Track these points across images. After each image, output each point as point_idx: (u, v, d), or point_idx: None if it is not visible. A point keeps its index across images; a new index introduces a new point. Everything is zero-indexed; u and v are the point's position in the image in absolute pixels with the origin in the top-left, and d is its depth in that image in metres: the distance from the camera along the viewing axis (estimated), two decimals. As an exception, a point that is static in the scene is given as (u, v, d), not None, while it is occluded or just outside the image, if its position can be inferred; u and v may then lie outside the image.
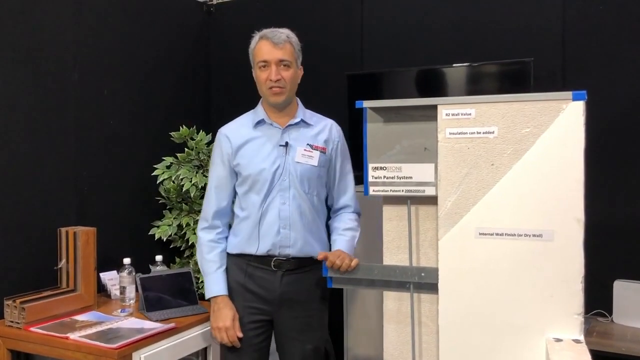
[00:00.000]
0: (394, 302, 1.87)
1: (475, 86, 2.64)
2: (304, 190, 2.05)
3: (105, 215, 2.77)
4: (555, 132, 1.58)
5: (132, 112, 2.95)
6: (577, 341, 1.56)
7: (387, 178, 1.80)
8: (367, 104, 1.80)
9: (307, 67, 3.24)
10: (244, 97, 3.45)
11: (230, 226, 2.16)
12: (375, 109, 1.81)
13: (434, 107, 1.71)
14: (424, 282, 1.78)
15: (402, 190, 1.79)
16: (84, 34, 2.70)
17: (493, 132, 1.64)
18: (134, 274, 2.55)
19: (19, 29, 2.43)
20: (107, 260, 2.67)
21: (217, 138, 2.13)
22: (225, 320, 2.00)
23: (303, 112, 2.12)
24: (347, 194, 2.18)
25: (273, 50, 2.00)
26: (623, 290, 2.42)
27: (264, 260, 2.04)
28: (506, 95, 1.65)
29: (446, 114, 1.69)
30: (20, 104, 2.43)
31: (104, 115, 2.80)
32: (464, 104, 1.67)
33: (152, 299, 2.42)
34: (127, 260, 2.56)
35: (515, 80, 2.56)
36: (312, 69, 3.23)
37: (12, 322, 2.20)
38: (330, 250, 2.08)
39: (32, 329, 2.16)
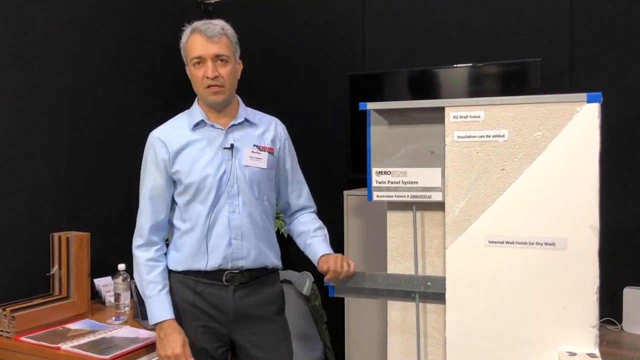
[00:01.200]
0: (398, 312, 1.80)
1: (481, 87, 2.57)
2: (254, 195, 1.87)
3: (99, 219, 2.70)
4: (569, 135, 1.52)
5: (128, 113, 2.88)
6: (592, 355, 1.50)
7: (392, 183, 1.74)
8: (370, 106, 1.74)
9: (307, 68, 3.20)
10: (242, 98, 3.42)
11: (166, 240, 1.96)
12: (379, 111, 1.74)
13: (441, 109, 1.64)
14: (430, 291, 1.72)
15: (408, 196, 1.73)
16: (78, 32, 2.62)
17: (503, 136, 1.58)
18: (129, 280, 2.48)
19: (10, 27, 2.35)
20: (102, 266, 2.59)
21: (149, 143, 1.93)
22: (175, 347, 1.76)
23: (245, 111, 1.95)
24: (304, 195, 2.04)
25: (207, 45, 1.81)
26: (633, 297, 2.35)
27: (214, 275, 1.86)
28: (517, 97, 1.59)
29: (454, 117, 1.62)
30: (11, 104, 2.36)
31: (98, 117, 2.72)
32: (473, 106, 1.61)
33: (148, 307, 2.34)
34: (121, 266, 2.49)
35: (522, 81, 2.49)
36: (312, 70, 3.19)
37: (1, 331, 2.12)
38: (281, 256, 1.99)
39: (22, 338, 2.08)
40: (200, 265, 1.85)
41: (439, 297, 1.69)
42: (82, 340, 2.06)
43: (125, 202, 2.83)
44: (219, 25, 1.86)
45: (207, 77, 1.81)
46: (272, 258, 1.94)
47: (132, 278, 2.46)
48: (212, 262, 1.84)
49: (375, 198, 1.76)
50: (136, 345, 2.03)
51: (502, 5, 2.68)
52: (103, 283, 2.61)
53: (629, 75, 2.44)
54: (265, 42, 3.24)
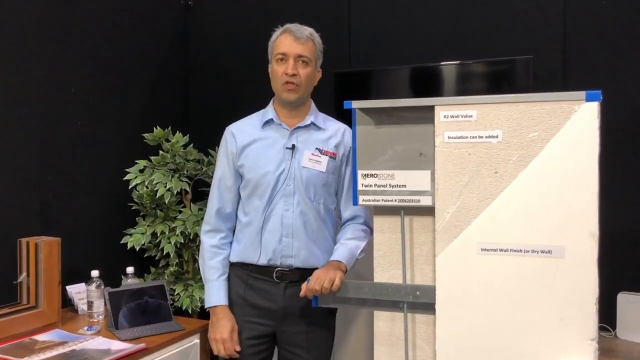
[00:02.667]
0: (385, 322, 1.70)
1: (471, 85, 2.49)
2: (309, 197, 1.93)
3: (72, 223, 2.57)
4: (567, 136, 1.43)
5: (103, 111, 2.75)
6: (591, 370, 1.41)
7: (379, 186, 1.64)
8: (356, 104, 1.64)
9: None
10: (224, 96, 3.31)
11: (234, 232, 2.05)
12: (365, 110, 1.64)
13: (431, 108, 1.55)
14: (419, 301, 1.62)
15: (395, 200, 1.63)
16: (50, 26, 2.49)
17: (497, 137, 1.49)
18: (102, 287, 2.36)
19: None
20: (75, 272, 2.47)
21: (224, 135, 2.03)
22: (223, 332, 1.91)
23: (315, 115, 2.00)
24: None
25: (294, 44, 1.90)
26: (627, 303, 2.28)
27: (265, 271, 1.93)
28: (511, 95, 1.50)
29: (444, 116, 1.53)
30: (-24, 102, 2.23)
31: (71, 115, 2.59)
32: (465, 105, 1.52)
33: (122, 316, 2.23)
34: (95, 273, 2.37)
35: (513, 79, 2.41)
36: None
37: (-36, 343, 2.00)
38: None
39: (-15, 351, 1.95)
40: (253, 258, 1.93)
41: (429, 307, 1.59)
42: (50, 354, 1.94)
43: (100, 205, 2.72)
44: (308, 30, 1.95)
45: (286, 74, 1.88)
46: (323, 261, 1.92)
47: (108, 284, 2.37)
48: (263, 256, 1.92)
49: (361, 202, 1.66)
50: (108, 357, 1.91)
51: (493, 0, 2.59)
52: (76, 290, 2.48)
53: (624, 73, 2.36)
54: (247, 38, 3.14)
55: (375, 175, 1.64)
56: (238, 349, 1.93)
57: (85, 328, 2.22)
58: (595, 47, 2.41)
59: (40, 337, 2.10)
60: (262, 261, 1.92)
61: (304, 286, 1.75)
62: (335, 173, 1.98)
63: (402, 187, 1.61)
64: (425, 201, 1.59)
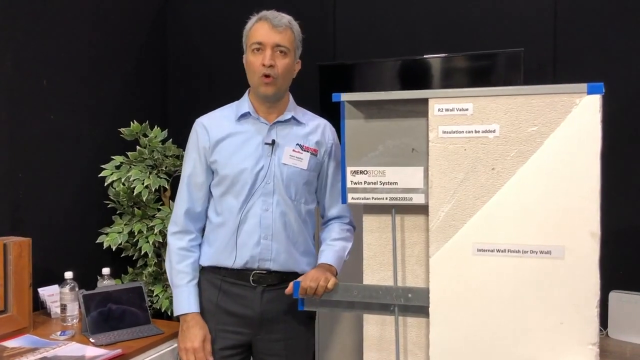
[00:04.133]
0: (375, 326, 1.63)
1: (460, 79, 2.43)
2: (290, 196, 1.81)
3: (44, 222, 2.46)
4: (567, 130, 1.37)
5: (77, 105, 2.63)
6: (592, 376, 1.35)
7: (369, 184, 1.57)
8: (345, 97, 1.56)
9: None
10: (204, 90, 3.21)
11: (204, 232, 1.92)
12: (354, 103, 1.56)
13: (424, 101, 1.48)
14: (411, 304, 1.55)
15: (386, 198, 1.56)
16: (19, 15, 2.37)
17: (494, 131, 1.42)
18: (76, 289, 2.25)
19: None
20: (48, 274, 2.37)
21: (194, 128, 1.89)
22: (194, 341, 1.77)
23: (294, 109, 1.89)
24: (340, 204, 1.91)
25: (271, 33, 1.76)
26: (619, 302, 2.24)
27: (241, 275, 1.81)
28: (509, 87, 1.44)
29: (439, 109, 1.46)
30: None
31: (43, 109, 2.47)
32: (460, 98, 1.45)
33: (97, 319, 2.13)
34: (68, 275, 2.26)
35: (504, 72, 2.35)
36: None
37: None
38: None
39: (-50, 360, 1.84)
40: (228, 262, 1.81)
41: (421, 310, 1.53)
42: (20, 361, 1.83)
43: (74, 203, 2.61)
44: (286, 17, 1.82)
45: (263, 65, 1.75)
46: (304, 265, 1.84)
47: (80, 287, 2.26)
48: (239, 259, 1.80)
49: (350, 200, 1.58)
50: (82, 365, 1.81)
51: (482, -9, 2.54)
52: (49, 293, 2.37)
53: (616, 66, 2.32)
54: (227, 30, 3.02)
55: (365, 172, 1.56)
56: (211, 359, 1.80)
57: (58, 333, 2.11)
58: (586, 40, 2.36)
59: (10, 344, 1.99)
60: (238, 264, 1.79)
61: (290, 285, 1.67)
62: (316, 171, 1.88)
63: (393, 185, 1.54)
64: (418, 199, 1.52)
